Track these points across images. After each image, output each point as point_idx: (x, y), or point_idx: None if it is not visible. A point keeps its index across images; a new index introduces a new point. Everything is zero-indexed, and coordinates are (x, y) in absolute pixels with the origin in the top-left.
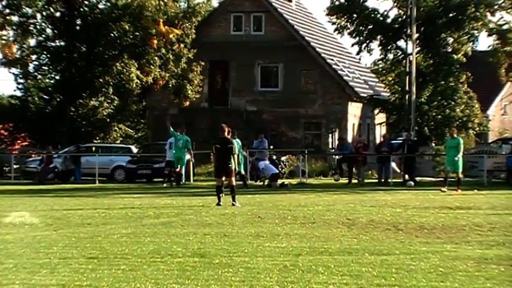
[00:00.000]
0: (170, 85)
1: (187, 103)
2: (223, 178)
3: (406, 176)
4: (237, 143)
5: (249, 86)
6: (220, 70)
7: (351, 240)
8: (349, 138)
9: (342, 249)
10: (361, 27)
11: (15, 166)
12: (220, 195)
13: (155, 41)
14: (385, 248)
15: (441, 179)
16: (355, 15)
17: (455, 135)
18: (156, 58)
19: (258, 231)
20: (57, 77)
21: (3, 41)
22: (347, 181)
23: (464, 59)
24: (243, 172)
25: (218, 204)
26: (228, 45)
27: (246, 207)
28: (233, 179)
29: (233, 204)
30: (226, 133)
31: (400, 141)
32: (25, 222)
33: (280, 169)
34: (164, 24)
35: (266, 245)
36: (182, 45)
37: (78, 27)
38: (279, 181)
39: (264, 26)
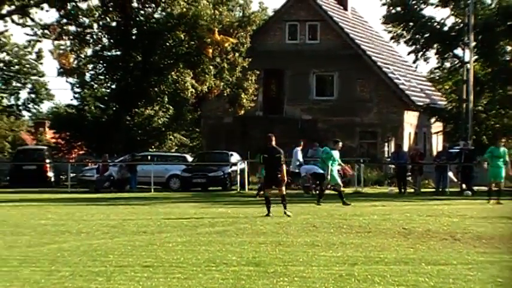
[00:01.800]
0: (225, 94)
1: (242, 112)
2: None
3: (464, 186)
4: None
5: (304, 94)
6: (275, 79)
7: (407, 250)
8: (405, 147)
9: (398, 258)
10: (417, 36)
11: (71, 175)
12: (270, 205)
13: (210, 50)
14: (442, 258)
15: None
16: (411, 24)
17: (501, 144)
18: (211, 67)
19: (313, 240)
20: (113, 86)
21: (61, 51)
22: (398, 191)
23: None
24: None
25: (267, 215)
26: (283, 54)
27: (300, 216)
28: (283, 188)
29: (285, 213)
30: (274, 142)
31: (457, 150)
32: None
33: None
34: (219, 33)
35: (321, 254)
36: (237, 54)
37: (134, 37)
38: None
39: (320, 34)
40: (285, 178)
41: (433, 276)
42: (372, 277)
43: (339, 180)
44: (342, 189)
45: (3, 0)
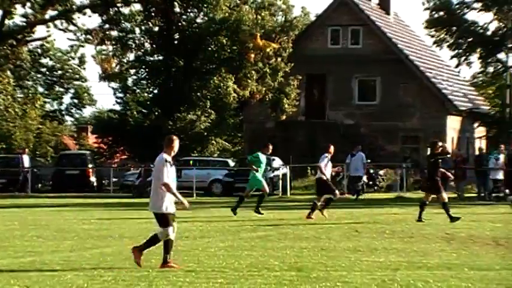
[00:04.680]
0: (267, 99)
1: (284, 117)
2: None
3: (507, 191)
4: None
5: (346, 99)
6: (317, 83)
7: (450, 255)
8: None
9: (440, 264)
10: (460, 40)
11: (114, 179)
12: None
13: (252, 55)
14: (485, 263)
15: None
16: (454, 28)
17: None
18: (253, 72)
19: (356, 245)
20: (155, 91)
21: (103, 56)
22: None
23: None
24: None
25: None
26: (325, 59)
27: (343, 221)
28: (443, 194)
29: (452, 219)
30: (439, 148)
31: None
32: None
33: (377, 183)
34: (261, 38)
35: (364, 260)
36: (279, 59)
37: (176, 42)
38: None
39: (362, 39)
40: (438, 185)
41: (476, 281)
42: (414, 282)
43: None
44: None
45: (46, 6)
